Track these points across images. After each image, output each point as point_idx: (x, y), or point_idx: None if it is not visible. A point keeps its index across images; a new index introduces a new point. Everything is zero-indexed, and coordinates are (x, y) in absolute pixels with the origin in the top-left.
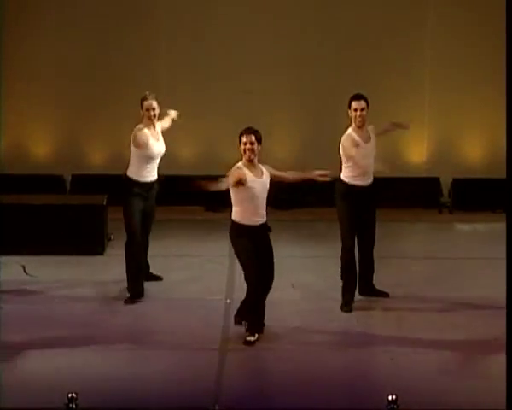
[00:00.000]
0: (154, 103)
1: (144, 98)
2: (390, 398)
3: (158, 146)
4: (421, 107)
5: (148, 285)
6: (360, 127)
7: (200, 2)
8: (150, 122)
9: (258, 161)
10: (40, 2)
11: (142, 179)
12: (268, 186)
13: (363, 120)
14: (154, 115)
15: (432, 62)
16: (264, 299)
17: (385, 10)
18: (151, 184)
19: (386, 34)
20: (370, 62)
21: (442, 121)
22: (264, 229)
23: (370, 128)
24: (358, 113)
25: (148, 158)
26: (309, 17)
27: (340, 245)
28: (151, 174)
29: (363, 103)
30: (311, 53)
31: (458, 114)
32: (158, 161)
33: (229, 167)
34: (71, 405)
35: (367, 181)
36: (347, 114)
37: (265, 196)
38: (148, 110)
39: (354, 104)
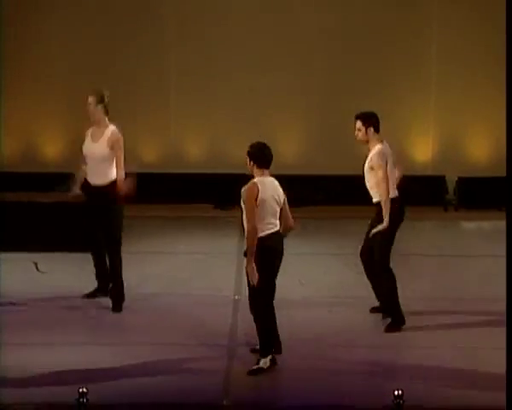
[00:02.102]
0: (90, 98)
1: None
2: (396, 393)
3: (89, 147)
4: (427, 107)
5: (155, 282)
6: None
7: (208, 5)
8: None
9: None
10: (51, 4)
11: (87, 178)
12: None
13: (357, 139)
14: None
15: (437, 63)
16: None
17: (391, 12)
18: (93, 187)
19: (392, 35)
20: (377, 63)
21: (447, 121)
22: None
23: (373, 150)
24: (355, 132)
25: (84, 156)
26: (315, 18)
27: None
28: (90, 176)
29: (357, 123)
30: (317, 53)
31: (463, 114)
32: (96, 165)
33: (237, 165)
34: (82, 399)
35: (372, 199)
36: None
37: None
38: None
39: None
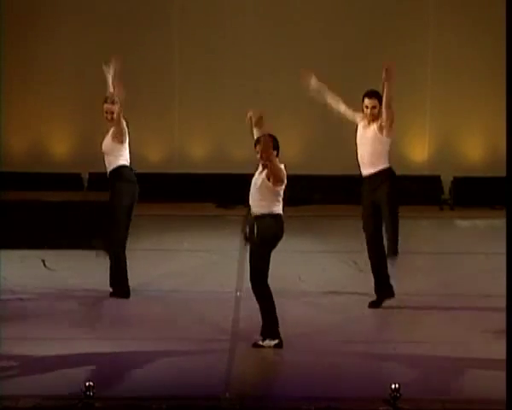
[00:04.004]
0: (107, 106)
1: (104, 101)
2: (393, 386)
3: (105, 140)
4: (423, 108)
5: (159, 278)
6: (369, 123)
7: (213, 7)
8: (108, 123)
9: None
10: (58, 7)
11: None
12: (258, 181)
13: (373, 117)
14: (111, 119)
15: (433, 65)
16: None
17: (388, 14)
18: (107, 175)
19: (389, 37)
20: (375, 64)
21: (443, 122)
22: (253, 221)
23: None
24: (369, 110)
25: None
26: (316, 22)
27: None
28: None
29: (374, 101)
30: (318, 55)
31: (459, 116)
32: (107, 157)
33: (240, 165)
34: (88, 393)
35: (366, 170)
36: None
37: (254, 188)
38: (106, 112)
39: (366, 101)
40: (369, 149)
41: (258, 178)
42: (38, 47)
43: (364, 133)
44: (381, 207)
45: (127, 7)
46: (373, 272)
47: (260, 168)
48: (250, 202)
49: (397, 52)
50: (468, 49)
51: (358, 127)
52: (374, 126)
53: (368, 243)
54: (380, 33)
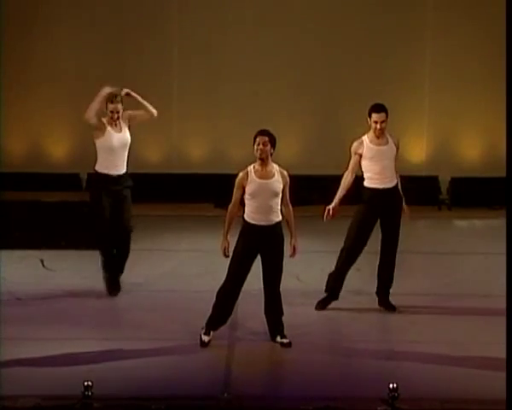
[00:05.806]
0: (119, 106)
1: (110, 100)
2: (391, 386)
3: (118, 137)
4: (421, 109)
5: (157, 279)
6: (379, 137)
7: (212, 10)
8: (112, 122)
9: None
10: (58, 7)
11: (105, 171)
12: (277, 189)
13: (382, 131)
14: (118, 118)
15: (431, 66)
16: (272, 307)
17: (386, 18)
18: (117, 177)
19: (387, 39)
20: (373, 66)
21: (441, 123)
22: (270, 229)
23: (395, 139)
24: (379, 125)
25: (108, 149)
26: (315, 23)
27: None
28: (115, 168)
29: (383, 116)
30: (316, 58)
31: (456, 117)
32: (123, 154)
33: (238, 166)
34: (87, 392)
35: (386, 184)
36: (355, 118)
37: (272, 197)
38: (111, 112)
39: (375, 116)
40: (391, 165)
41: (275, 184)
42: (38, 47)
43: (381, 149)
44: (389, 220)
45: (127, 7)
46: (342, 277)
47: (269, 174)
48: (264, 211)
49: (395, 53)
50: (467, 50)
51: (367, 147)
52: (390, 142)
53: (353, 252)
54: (378, 35)
